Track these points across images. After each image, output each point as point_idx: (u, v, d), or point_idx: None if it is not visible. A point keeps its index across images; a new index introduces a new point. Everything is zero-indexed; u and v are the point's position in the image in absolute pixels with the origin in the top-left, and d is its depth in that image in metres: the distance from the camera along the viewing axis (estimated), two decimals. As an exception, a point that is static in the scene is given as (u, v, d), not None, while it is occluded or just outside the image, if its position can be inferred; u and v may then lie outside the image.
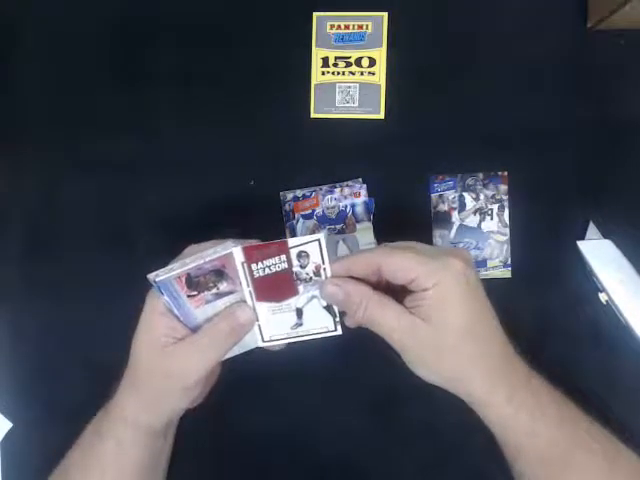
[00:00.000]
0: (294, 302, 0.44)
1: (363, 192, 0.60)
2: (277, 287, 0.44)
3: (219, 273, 0.43)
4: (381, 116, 0.61)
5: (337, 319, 0.45)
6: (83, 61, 0.63)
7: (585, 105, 0.60)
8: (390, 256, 0.42)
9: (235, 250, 0.42)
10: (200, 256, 0.43)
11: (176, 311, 0.44)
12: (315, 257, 0.42)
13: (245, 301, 0.45)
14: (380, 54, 0.61)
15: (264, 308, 0.45)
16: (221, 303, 0.45)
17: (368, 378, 0.59)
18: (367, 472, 0.59)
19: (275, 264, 0.43)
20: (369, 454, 0.59)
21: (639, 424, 0.56)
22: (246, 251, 0.42)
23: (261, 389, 0.59)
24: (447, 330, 0.41)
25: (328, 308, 0.45)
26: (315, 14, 0.61)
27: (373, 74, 0.61)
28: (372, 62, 0.61)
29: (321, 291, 0.43)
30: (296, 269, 0.43)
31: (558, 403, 0.44)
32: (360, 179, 0.60)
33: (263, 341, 0.46)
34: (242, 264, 0.43)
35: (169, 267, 0.43)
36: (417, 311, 0.41)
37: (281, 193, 0.61)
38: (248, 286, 0.44)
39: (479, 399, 0.42)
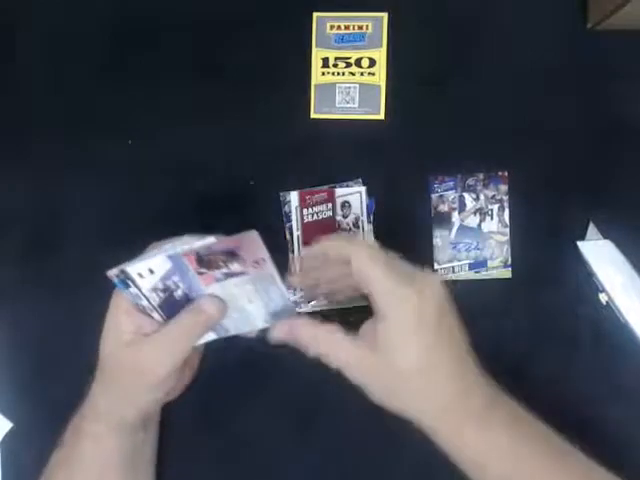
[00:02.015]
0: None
1: (363, 192, 0.60)
2: (321, 233, 0.46)
3: (231, 254, 0.41)
4: (381, 116, 0.61)
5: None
6: (83, 61, 0.63)
7: (585, 105, 0.60)
8: (359, 257, 0.41)
9: (292, 194, 0.52)
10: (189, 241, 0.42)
11: (182, 288, 0.43)
12: (356, 208, 0.50)
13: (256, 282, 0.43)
14: (380, 55, 0.61)
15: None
16: (232, 283, 0.43)
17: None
18: (365, 473, 0.59)
19: (322, 211, 0.52)
20: (367, 455, 0.58)
21: (639, 424, 0.56)
22: (301, 195, 0.52)
23: (259, 391, 0.59)
24: (394, 368, 0.41)
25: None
26: (315, 14, 0.61)
27: (373, 75, 0.61)
28: (372, 63, 0.61)
29: (269, 335, 0.44)
30: (339, 218, 0.51)
31: (514, 437, 0.42)
32: (360, 179, 0.60)
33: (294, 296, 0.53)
34: (296, 208, 0.52)
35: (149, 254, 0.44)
36: (369, 338, 0.41)
37: (281, 193, 0.60)
38: (297, 230, 0.52)
39: (429, 430, 0.43)
